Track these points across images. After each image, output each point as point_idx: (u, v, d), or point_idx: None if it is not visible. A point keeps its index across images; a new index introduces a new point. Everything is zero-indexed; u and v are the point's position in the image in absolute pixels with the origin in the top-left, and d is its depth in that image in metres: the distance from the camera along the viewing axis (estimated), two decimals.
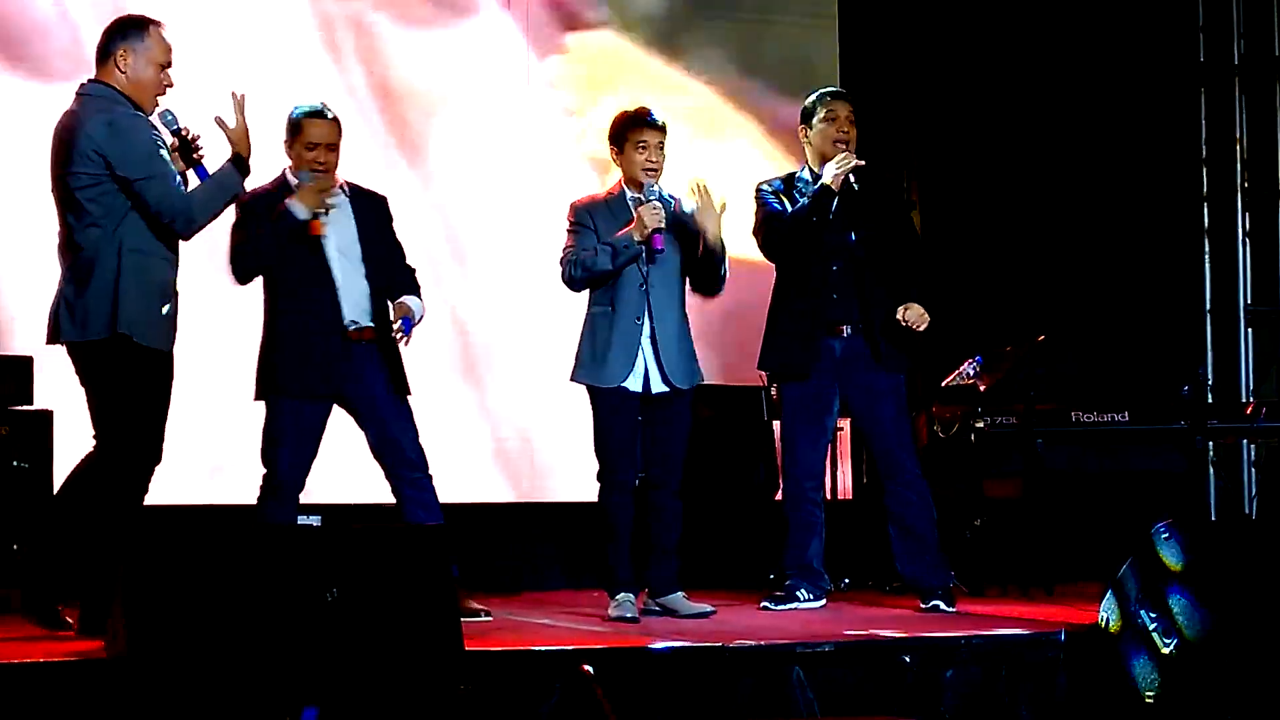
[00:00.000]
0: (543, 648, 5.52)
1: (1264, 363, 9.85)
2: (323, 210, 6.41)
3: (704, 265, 6.74)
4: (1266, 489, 9.52)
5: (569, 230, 6.77)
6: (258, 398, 6.54)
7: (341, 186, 6.63)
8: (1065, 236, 9.54)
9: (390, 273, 6.67)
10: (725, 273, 6.81)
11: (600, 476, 6.71)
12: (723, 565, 7.98)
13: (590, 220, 6.71)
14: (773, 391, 8.02)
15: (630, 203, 6.70)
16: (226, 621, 4.73)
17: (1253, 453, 9.75)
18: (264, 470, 6.51)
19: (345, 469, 8.02)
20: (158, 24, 5.91)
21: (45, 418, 7.09)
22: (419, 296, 6.69)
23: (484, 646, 5.42)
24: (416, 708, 4.89)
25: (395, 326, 6.56)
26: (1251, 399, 9.50)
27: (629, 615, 6.51)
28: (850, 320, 6.89)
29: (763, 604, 6.94)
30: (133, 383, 5.74)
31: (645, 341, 6.65)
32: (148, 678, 4.63)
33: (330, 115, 6.56)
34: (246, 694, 4.70)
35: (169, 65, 5.87)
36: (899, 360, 6.95)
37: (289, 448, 6.47)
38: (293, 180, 6.49)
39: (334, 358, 6.47)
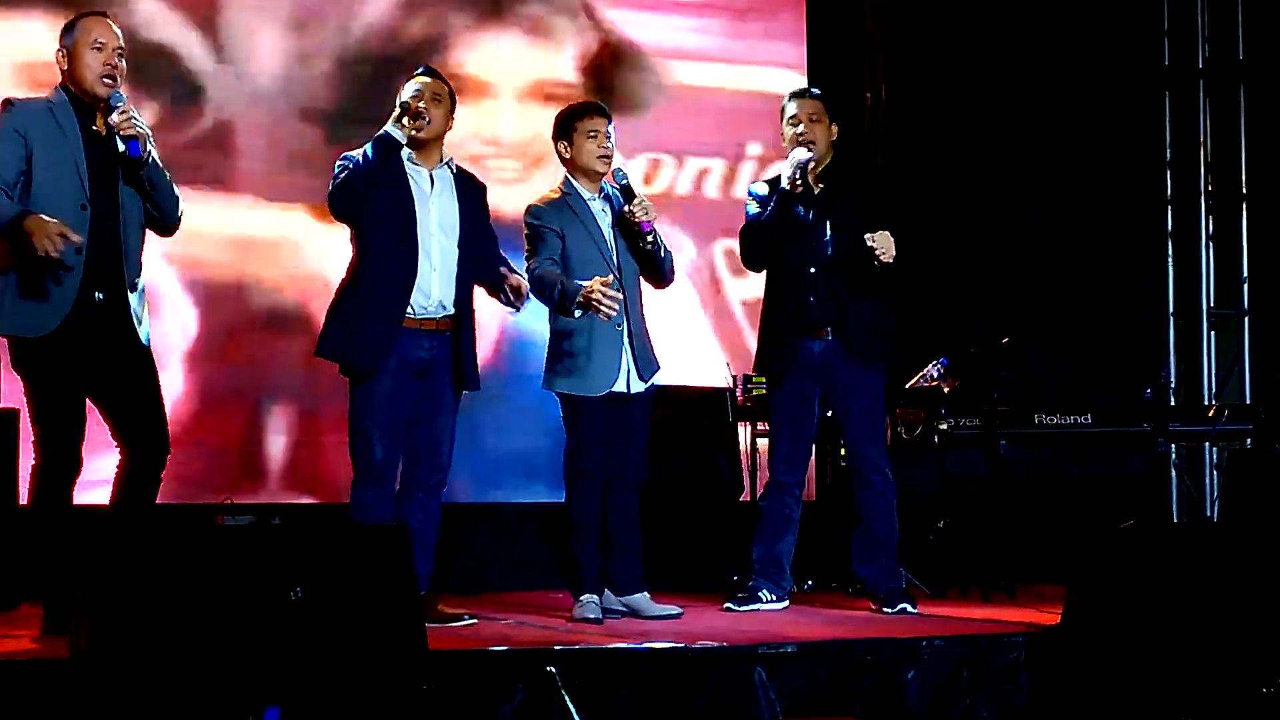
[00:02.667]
0: (506, 648, 5.51)
1: (1226, 366, 9.89)
2: (416, 131, 6.23)
3: (646, 259, 6.74)
4: (1228, 492, 9.56)
5: (530, 234, 6.67)
6: (325, 357, 6.37)
7: (448, 164, 6.49)
8: (1029, 238, 9.57)
9: (485, 261, 6.48)
10: (671, 265, 6.81)
11: (572, 480, 6.66)
12: (687, 566, 7.98)
13: (555, 222, 6.64)
14: (739, 394, 8.04)
15: (588, 201, 6.69)
16: (189, 620, 4.72)
17: (1215, 456, 9.80)
18: (355, 461, 6.31)
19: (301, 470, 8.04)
20: (91, 15, 5.87)
21: (10, 417, 7.06)
22: None
23: (447, 646, 5.43)
24: (379, 707, 4.88)
25: (511, 298, 6.39)
26: (1214, 402, 9.53)
27: (593, 616, 6.50)
28: (830, 322, 6.90)
29: (725, 605, 6.95)
30: (19, 373, 5.77)
31: (625, 343, 6.65)
32: (110, 677, 4.62)
33: (437, 74, 6.48)
34: (209, 693, 4.69)
35: (105, 47, 5.79)
36: (879, 353, 6.95)
37: (381, 430, 6.28)
38: (392, 128, 6.24)
39: (414, 339, 6.30)
